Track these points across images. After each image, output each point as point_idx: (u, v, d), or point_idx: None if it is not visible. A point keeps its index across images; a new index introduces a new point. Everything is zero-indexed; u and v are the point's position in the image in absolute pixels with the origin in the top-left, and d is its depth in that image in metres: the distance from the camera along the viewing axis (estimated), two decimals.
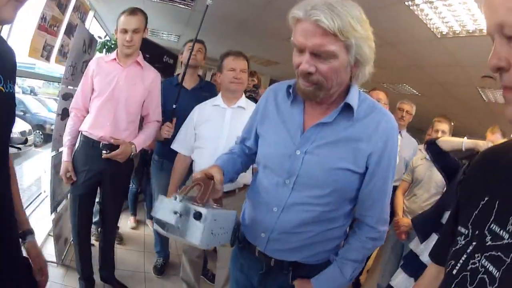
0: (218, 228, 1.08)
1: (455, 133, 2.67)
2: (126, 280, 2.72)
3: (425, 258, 1.98)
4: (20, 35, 2.66)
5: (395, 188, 2.87)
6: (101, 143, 2.23)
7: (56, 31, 3.13)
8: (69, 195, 2.61)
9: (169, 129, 2.49)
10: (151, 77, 2.38)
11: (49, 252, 2.77)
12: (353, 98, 1.11)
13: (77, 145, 2.35)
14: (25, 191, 5.00)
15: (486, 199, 0.67)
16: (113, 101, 2.25)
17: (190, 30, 5.79)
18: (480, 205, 0.68)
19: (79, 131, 2.32)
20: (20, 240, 1.25)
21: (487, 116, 6.31)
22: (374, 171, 1.12)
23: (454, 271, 0.68)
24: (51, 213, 2.70)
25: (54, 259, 2.70)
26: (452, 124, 2.89)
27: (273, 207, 1.18)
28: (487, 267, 0.60)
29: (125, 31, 2.20)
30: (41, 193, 3.82)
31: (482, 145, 1.87)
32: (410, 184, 2.82)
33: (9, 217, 1.08)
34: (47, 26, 2.88)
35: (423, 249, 2.02)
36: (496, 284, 0.58)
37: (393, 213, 2.72)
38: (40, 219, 3.24)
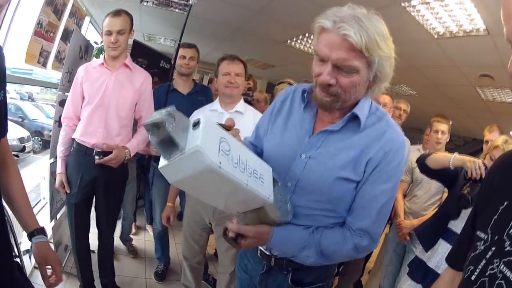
0: (230, 151, 0.89)
1: (453, 133, 2.64)
2: (127, 287, 2.71)
3: (432, 263, 1.98)
4: (17, 41, 2.66)
5: None
6: (94, 150, 2.19)
7: (53, 37, 3.12)
8: None
9: None
10: (141, 78, 2.33)
11: None
12: (362, 109, 1.10)
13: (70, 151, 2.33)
14: None
15: (505, 203, 0.67)
16: (104, 107, 2.22)
17: (186, 34, 5.81)
18: (500, 210, 0.68)
19: (72, 139, 2.29)
20: (30, 241, 1.21)
21: (485, 115, 6.32)
22: (367, 178, 1.10)
23: (473, 277, 0.67)
24: (51, 220, 2.68)
25: None
26: (451, 123, 2.88)
27: None
28: (505, 272, 0.60)
29: (109, 32, 2.16)
30: (40, 200, 3.79)
31: (469, 164, 1.84)
32: (409, 185, 2.80)
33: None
34: (43, 32, 2.87)
35: (430, 255, 2.02)
36: None
37: (392, 215, 2.72)
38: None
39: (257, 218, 1.07)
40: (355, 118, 1.10)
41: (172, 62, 2.77)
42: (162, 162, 0.86)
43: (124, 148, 2.25)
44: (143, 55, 3.87)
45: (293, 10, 3.85)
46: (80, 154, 2.26)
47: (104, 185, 2.30)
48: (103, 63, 2.26)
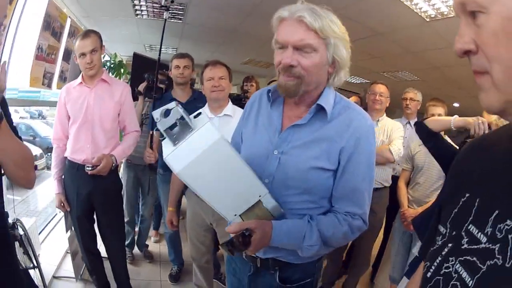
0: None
1: (460, 115, 2.46)
2: None
3: None
4: (21, 65, 2.76)
5: (397, 178, 2.82)
6: (85, 166, 2.29)
7: (54, 59, 3.23)
8: None
9: (149, 155, 2.64)
10: (120, 90, 2.41)
11: (67, 268, 2.93)
12: (327, 100, 1.16)
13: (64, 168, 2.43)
14: (41, 213, 5.17)
15: (466, 195, 0.61)
16: (88, 124, 2.32)
17: (185, 42, 5.94)
18: (460, 203, 0.61)
19: (65, 158, 2.40)
20: None
21: None
22: (344, 168, 1.15)
23: (428, 274, 0.62)
24: (66, 231, 2.80)
25: (72, 275, 2.82)
26: (455, 105, 2.80)
27: None
28: (461, 273, 0.54)
29: (83, 54, 2.25)
30: (56, 213, 3.94)
31: (472, 122, 1.73)
32: (411, 172, 2.73)
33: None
34: (44, 55, 2.97)
35: None
36: None
37: (398, 205, 2.68)
38: (58, 238, 3.41)
39: (255, 217, 1.13)
40: (322, 109, 1.15)
41: (175, 77, 2.88)
42: (168, 151, 0.97)
43: (110, 155, 2.34)
44: (147, 68, 3.91)
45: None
46: (73, 170, 2.36)
47: (100, 197, 2.41)
48: (81, 82, 2.35)
